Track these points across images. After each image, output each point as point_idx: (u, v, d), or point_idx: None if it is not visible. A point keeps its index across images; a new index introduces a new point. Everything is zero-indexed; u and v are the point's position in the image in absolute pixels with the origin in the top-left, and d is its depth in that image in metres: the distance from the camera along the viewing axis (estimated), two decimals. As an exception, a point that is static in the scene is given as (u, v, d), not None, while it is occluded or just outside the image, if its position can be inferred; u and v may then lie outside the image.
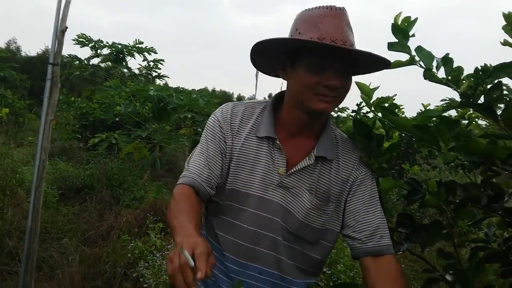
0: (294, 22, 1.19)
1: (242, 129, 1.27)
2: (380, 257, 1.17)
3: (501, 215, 1.22)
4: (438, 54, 1.25)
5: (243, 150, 1.25)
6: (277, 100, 1.30)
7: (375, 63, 1.19)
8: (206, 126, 1.30)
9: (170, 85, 11.31)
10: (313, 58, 1.12)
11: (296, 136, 1.26)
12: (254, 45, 1.19)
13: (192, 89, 8.92)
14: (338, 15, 1.12)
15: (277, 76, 1.31)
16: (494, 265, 1.19)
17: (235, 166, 1.25)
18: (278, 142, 1.23)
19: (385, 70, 1.26)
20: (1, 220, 3.90)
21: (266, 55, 1.24)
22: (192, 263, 0.80)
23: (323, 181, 1.24)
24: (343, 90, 1.16)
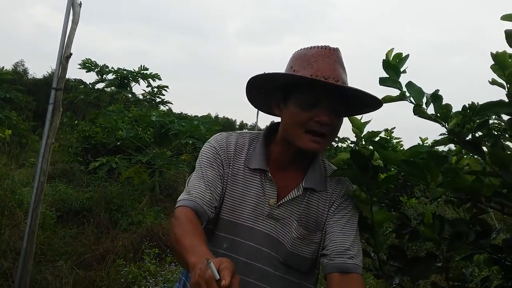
0: (290, 60, 1.24)
1: (236, 159, 1.30)
2: (346, 275, 1.15)
3: (488, 252, 1.23)
4: (441, 87, 1.27)
5: (236, 181, 1.28)
6: (269, 132, 1.33)
7: (367, 104, 1.23)
8: (201, 153, 1.31)
9: (174, 110, 11.44)
10: (305, 95, 1.17)
11: (287, 168, 1.29)
12: (250, 79, 1.24)
13: (195, 116, 9.04)
14: (331, 54, 1.18)
15: (272, 113, 1.35)
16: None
17: (228, 195, 1.27)
18: (270, 174, 1.26)
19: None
20: (-3, 240, 3.90)
21: (261, 91, 1.29)
22: (218, 275, 0.79)
23: (312, 211, 1.27)
24: (334, 128, 1.20)
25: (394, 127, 5.34)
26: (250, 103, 1.38)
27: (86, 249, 4.37)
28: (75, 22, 2.90)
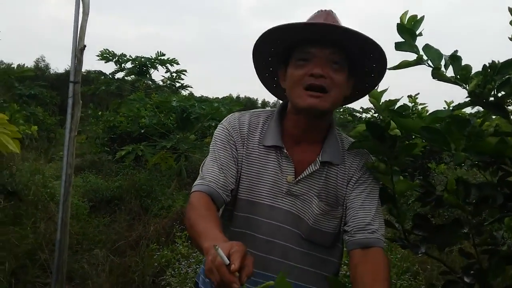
0: None
1: (250, 139, 1.29)
2: (367, 249, 1.16)
3: (518, 214, 1.19)
4: (461, 47, 1.23)
5: (252, 160, 1.27)
6: (283, 109, 1.32)
7: (370, 57, 1.21)
8: (214, 136, 1.31)
9: (195, 94, 11.49)
10: (298, 53, 1.19)
11: (302, 143, 1.27)
12: (252, 51, 1.28)
13: (216, 97, 9.03)
14: (325, 13, 1.24)
15: (281, 96, 1.38)
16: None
17: (245, 175, 1.27)
18: (285, 151, 1.24)
19: (409, 69, 1.27)
20: (34, 233, 4.03)
21: (267, 67, 1.33)
22: (227, 260, 0.80)
23: (331, 186, 1.26)
24: (332, 81, 1.16)
25: (418, 93, 5.19)
26: (262, 85, 1.40)
27: (119, 236, 4.48)
28: (85, 13, 2.89)
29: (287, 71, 1.23)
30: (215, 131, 1.32)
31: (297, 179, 1.24)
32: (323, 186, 1.25)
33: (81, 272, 3.62)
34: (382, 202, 1.26)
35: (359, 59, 1.22)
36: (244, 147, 1.28)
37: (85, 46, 2.80)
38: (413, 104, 5.24)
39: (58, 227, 2.72)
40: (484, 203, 1.13)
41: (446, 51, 1.23)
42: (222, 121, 1.34)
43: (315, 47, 1.16)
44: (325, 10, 1.25)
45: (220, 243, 0.84)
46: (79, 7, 2.84)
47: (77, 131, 2.90)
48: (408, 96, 5.20)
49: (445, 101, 4.25)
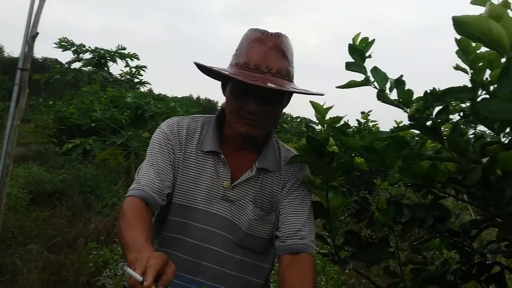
0: (241, 39, 1.23)
1: (188, 143, 1.28)
2: (296, 255, 1.19)
3: (446, 236, 1.24)
4: (419, 71, 1.25)
5: (188, 164, 1.26)
6: (221, 114, 1.32)
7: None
8: (152, 139, 1.29)
9: (155, 91, 11.27)
10: (236, 84, 1.16)
11: (240, 150, 1.28)
12: (195, 63, 1.24)
13: (174, 97, 8.90)
14: (268, 40, 1.16)
15: None
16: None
17: (181, 179, 1.25)
18: (223, 156, 1.25)
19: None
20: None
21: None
22: (140, 278, 0.78)
23: (266, 192, 1.27)
24: (268, 115, 1.19)
25: (371, 110, 5.34)
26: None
27: (58, 232, 4.31)
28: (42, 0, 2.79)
29: (226, 88, 1.23)
30: (153, 135, 1.30)
31: (233, 185, 1.24)
32: (258, 192, 1.26)
33: (12, 267, 3.44)
34: (315, 216, 1.28)
35: None
36: (182, 151, 1.27)
37: (37, 33, 2.70)
38: (365, 120, 5.38)
39: (-11, 218, 2.58)
40: (412, 223, 1.17)
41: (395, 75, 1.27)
42: (161, 125, 1.32)
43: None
44: (268, 35, 1.16)
45: (140, 255, 0.84)
46: (34, -9, 2.73)
47: (20, 119, 2.77)
48: (361, 112, 5.34)
49: (395, 120, 4.40)
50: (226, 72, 1.13)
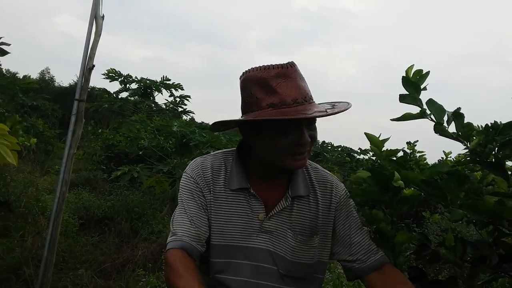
0: (247, 83, 1.19)
1: (215, 183, 1.29)
2: (381, 269, 1.21)
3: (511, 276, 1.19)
4: (463, 99, 1.23)
5: (220, 204, 1.27)
6: (242, 149, 1.32)
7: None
8: (180, 185, 1.30)
9: (196, 120, 11.53)
10: (280, 122, 1.13)
11: (268, 180, 1.28)
12: (217, 123, 1.24)
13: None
14: (291, 72, 1.15)
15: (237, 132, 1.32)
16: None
17: (215, 220, 1.26)
18: (252, 191, 1.25)
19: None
20: (20, 247, 3.97)
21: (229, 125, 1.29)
22: None
23: (303, 217, 1.27)
24: (313, 140, 1.20)
25: (417, 140, 5.21)
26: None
27: (106, 257, 4.41)
28: (98, 34, 2.95)
29: (260, 131, 1.17)
30: (180, 181, 1.32)
31: (269, 215, 1.25)
32: (295, 218, 1.26)
33: (64, 292, 3.54)
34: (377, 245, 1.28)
35: None
36: (211, 192, 1.27)
37: (93, 66, 2.85)
38: (411, 151, 5.25)
39: (46, 243, 2.69)
40: (482, 263, 1.12)
41: (444, 102, 1.26)
42: (186, 169, 1.32)
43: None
44: (288, 68, 1.15)
45: None
46: (92, 27, 2.89)
47: (76, 148, 2.90)
48: (407, 143, 5.22)
49: (443, 151, 4.28)
50: (277, 117, 1.09)
